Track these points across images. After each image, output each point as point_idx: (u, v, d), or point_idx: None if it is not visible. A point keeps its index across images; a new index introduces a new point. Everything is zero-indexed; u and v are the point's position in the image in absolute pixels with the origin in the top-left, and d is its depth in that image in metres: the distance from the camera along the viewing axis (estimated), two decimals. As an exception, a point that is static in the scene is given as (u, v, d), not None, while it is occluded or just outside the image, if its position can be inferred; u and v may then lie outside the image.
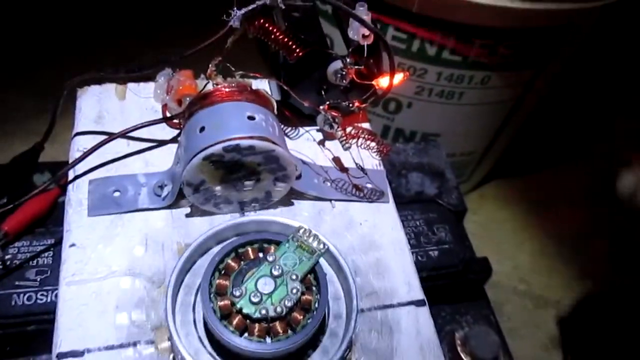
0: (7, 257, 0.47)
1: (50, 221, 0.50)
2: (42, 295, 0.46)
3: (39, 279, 0.46)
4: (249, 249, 0.35)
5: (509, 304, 0.99)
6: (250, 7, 0.39)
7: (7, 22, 1.21)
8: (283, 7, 0.39)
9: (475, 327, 0.53)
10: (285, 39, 0.41)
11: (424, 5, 0.65)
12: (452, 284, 0.54)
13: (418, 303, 0.41)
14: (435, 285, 0.52)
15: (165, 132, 0.47)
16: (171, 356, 0.35)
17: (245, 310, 0.32)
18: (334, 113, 0.47)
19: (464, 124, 0.83)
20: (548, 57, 0.76)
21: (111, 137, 0.44)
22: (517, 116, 0.87)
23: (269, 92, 0.48)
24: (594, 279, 1.01)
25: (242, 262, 0.35)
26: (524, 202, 1.10)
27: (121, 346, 0.36)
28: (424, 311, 0.41)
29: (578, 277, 1.01)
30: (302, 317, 0.33)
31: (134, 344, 0.36)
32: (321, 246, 0.35)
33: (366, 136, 0.48)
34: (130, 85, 0.50)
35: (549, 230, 1.07)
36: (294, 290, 0.33)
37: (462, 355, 0.50)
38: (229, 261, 0.34)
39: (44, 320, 0.44)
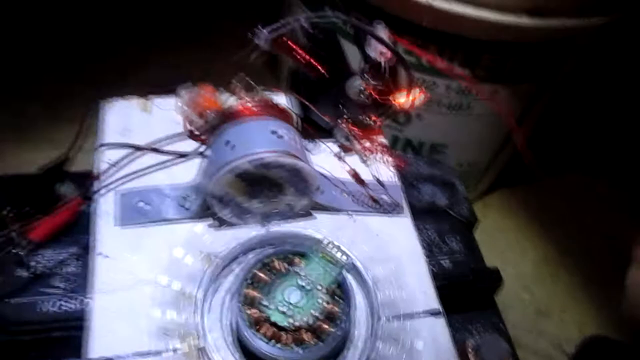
0: (32, 264, 0.48)
1: (74, 229, 0.52)
2: (67, 302, 0.47)
3: (64, 286, 0.48)
4: (276, 261, 0.37)
5: (512, 312, 1.00)
6: (275, 28, 0.40)
7: (13, 30, 1.22)
8: (308, 28, 0.41)
9: (486, 335, 0.55)
10: (308, 58, 0.43)
11: (434, 22, 0.66)
12: (464, 294, 0.56)
13: (435, 313, 0.43)
14: (447, 295, 0.54)
15: (187, 145, 0.49)
16: (200, 363, 0.37)
17: (274, 320, 0.33)
18: (351, 127, 0.49)
19: (471, 135, 0.85)
20: (554, 70, 0.78)
21: (140, 150, 0.45)
22: (522, 127, 0.89)
23: (290, 105, 0.50)
24: (598, 288, 1.02)
25: (270, 273, 0.36)
26: (528, 211, 1.12)
27: (149, 353, 0.37)
28: (441, 321, 0.42)
29: (582, 286, 1.03)
30: (328, 326, 0.34)
31: (164, 351, 0.37)
32: (345, 258, 0.36)
33: (383, 150, 0.50)
34: (154, 98, 0.51)
35: (552, 239, 1.08)
36: (321, 301, 0.34)
37: (474, 363, 0.51)
38: (258, 272, 0.36)
39: (69, 327, 0.45)
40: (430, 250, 0.56)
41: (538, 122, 0.93)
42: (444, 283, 0.55)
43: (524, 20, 0.64)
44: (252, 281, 0.36)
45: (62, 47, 1.21)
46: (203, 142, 0.49)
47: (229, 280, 0.37)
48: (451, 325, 0.56)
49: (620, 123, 1.20)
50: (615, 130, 1.21)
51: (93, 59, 1.21)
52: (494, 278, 0.57)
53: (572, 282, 1.03)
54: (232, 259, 0.40)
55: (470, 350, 0.53)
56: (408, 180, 0.62)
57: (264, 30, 0.40)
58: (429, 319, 0.42)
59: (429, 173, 0.63)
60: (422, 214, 0.59)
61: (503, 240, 1.07)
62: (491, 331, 0.57)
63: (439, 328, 0.42)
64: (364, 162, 0.50)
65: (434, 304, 0.43)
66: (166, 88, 0.51)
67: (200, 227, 0.43)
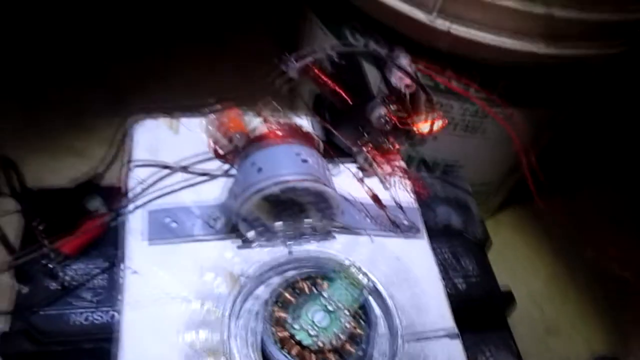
0: (63, 276, 0.50)
1: (104, 243, 0.54)
2: (97, 315, 0.49)
3: (94, 299, 0.49)
4: (304, 283, 0.38)
5: (521, 329, 1.01)
6: (303, 57, 0.42)
7: (35, 42, 1.25)
8: (336, 60, 0.42)
9: (498, 354, 0.56)
10: (336, 88, 0.44)
11: (453, 46, 0.68)
12: (477, 314, 0.57)
13: (451, 335, 0.44)
14: (461, 315, 0.55)
15: (213, 164, 0.50)
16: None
17: (303, 342, 0.35)
18: (372, 151, 0.50)
19: (485, 156, 0.86)
20: (568, 95, 0.79)
21: (169, 170, 0.47)
22: (534, 148, 0.90)
23: (311, 129, 0.52)
24: (607, 307, 1.03)
25: (295, 293, 0.38)
26: (539, 229, 1.13)
27: (178, 369, 0.39)
28: (457, 342, 0.44)
29: (591, 305, 1.04)
30: (350, 346, 0.36)
31: (194, 367, 0.39)
32: (367, 281, 0.38)
33: (401, 173, 0.52)
34: (183, 119, 0.53)
35: (562, 257, 1.09)
36: (344, 322, 0.36)
37: (486, 383, 0.53)
38: (286, 294, 0.38)
39: (99, 339, 0.47)
40: (446, 270, 0.58)
41: (551, 141, 0.94)
42: (458, 303, 0.56)
43: (540, 47, 0.65)
44: (279, 301, 0.38)
45: (82, 58, 1.24)
46: (229, 162, 0.51)
47: (256, 300, 0.39)
48: (464, 343, 0.58)
49: (633, 144, 1.21)
50: (628, 150, 1.22)
51: (112, 69, 1.23)
52: (507, 299, 0.59)
53: (581, 301, 1.04)
54: (259, 279, 0.41)
55: (482, 369, 0.55)
56: (424, 201, 0.64)
57: (293, 59, 0.42)
58: (445, 340, 0.44)
59: (444, 194, 0.65)
60: (437, 235, 0.61)
61: (514, 258, 1.08)
62: (503, 351, 0.58)
63: (455, 350, 0.44)
64: (383, 184, 0.52)
65: (451, 326, 0.45)
66: (192, 106, 0.53)
67: (227, 246, 0.45)
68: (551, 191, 1.19)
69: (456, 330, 0.44)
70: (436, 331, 0.44)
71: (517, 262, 1.08)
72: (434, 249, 0.59)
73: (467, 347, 0.57)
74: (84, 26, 1.30)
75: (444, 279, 0.57)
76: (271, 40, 1.37)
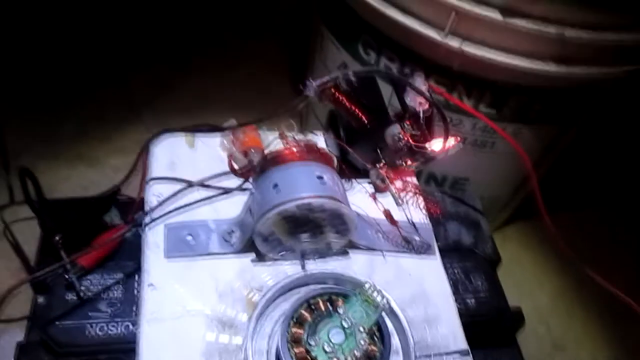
0: (81, 288, 0.51)
1: (119, 255, 0.54)
2: (113, 326, 0.49)
3: (110, 311, 0.50)
4: (320, 301, 0.39)
5: (528, 345, 1.01)
6: (324, 80, 0.43)
7: (46, 47, 1.27)
8: (353, 81, 0.43)
9: (508, 373, 0.57)
10: (353, 108, 0.45)
11: (464, 64, 0.69)
12: (487, 331, 0.58)
13: (463, 353, 0.45)
14: (471, 332, 0.56)
15: (231, 181, 0.51)
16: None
17: (318, 358, 0.36)
18: (387, 169, 0.51)
19: (493, 171, 0.87)
20: (577, 114, 0.80)
21: (188, 185, 0.48)
22: (542, 165, 0.91)
23: (325, 146, 0.53)
24: (613, 323, 1.03)
25: (314, 312, 0.39)
26: (545, 244, 1.14)
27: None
28: (469, 359, 0.45)
29: (597, 321, 1.04)
30: (368, 365, 0.37)
31: (210, 384, 0.40)
32: (384, 301, 0.39)
33: (415, 191, 0.52)
34: (199, 135, 0.54)
35: (568, 273, 1.10)
36: (362, 342, 0.36)
37: (496, 401, 0.53)
38: (302, 311, 0.38)
39: (115, 350, 0.48)
40: (457, 288, 0.58)
41: (559, 158, 0.95)
42: (468, 320, 0.57)
43: (551, 68, 0.66)
44: (295, 318, 0.39)
45: (95, 68, 1.26)
46: (244, 177, 0.52)
47: (273, 318, 0.40)
48: (474, 360, 0.58)
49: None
50: (636, 169, 1.23)
51: (126, 79, 1.25)
52: (517, 318, 0.60)
53: (587, 317, 1.04)
54: (275, 296, 0.42)
55: (492, 387, 0.55)
56: (435, 218, 0.64)
57: (313, 83, 0.43)
58: (457, 357, 0.44)
59: (454, 210, 0.66)
60: (448, 251, 0.61)
61: (521, 273, 1.08)
62: (512, 368, 0.59)
63: (467, 368, 0.44)
64: (397, 202, 0.53)
65: (463, 344, 0.45)
66: (210, 125, 0.54)
67: (243, 262, 0.46)
68: (557, 208, 1.20)
69: (468, 349, 0.45)
70: (448, 349, 0.44)
71: (523, 277, 1.09)
72: (445, 266, 0.60)
73: (476, 364, 0.58)
74: (98, 36, 1.32)
75: (454, 295, 0.58)
76: (285, 51, 1.39)
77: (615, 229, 1.16)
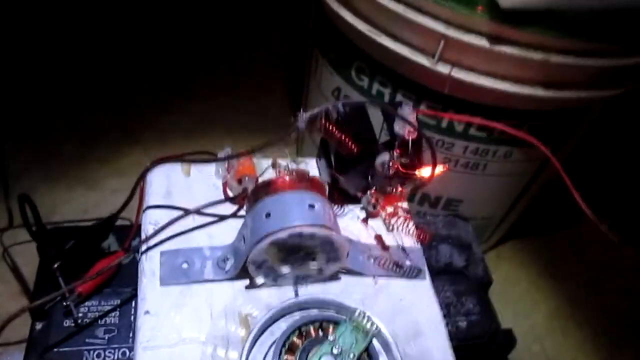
0: (78, 314, 0.52)
1: (116, 281, 0.55)
2: (109, 352, 0.50)
3: (107, 337, 0.51)
4: (311, 328, 0.40)
5: (523, 364, 1.02)
6: (315, 112, 0.44)
7: (46, 70, 1.29)
8: (342, 111, 0.45)
9: (499, 395, 0.57)
10: (342, 137, 0.47)
11: (454, 89, 0.71)
12: (478, 354, 0.59)
13: (454, 378, 0.46)
14: (462, 355, 0.57)
15: (226, 208, 0.52)
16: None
17: (310, 385, 0.36)
18: (377, 196, 0.52)
19: (486, 192, 0.88)
20: (567, 135, 0.81)
21: (185, 213, 0.49)
22: (535, 184, 0.92)
23: (318, 173, 0.54)
24: (608, 343, 1.04)
25: (305, 339, 0.39)
26: (540, 263, 1.15)
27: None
28: (459, 386, 0.45)
29: (592, 340, 1.04)
30: (358, 391, 0.38)
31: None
32: (374, 328, 0.40)
33: (406, 217, 0.54)
34: (195, 164, 0.56)
35: (563, 292, 1.10)
36: (352, 368, 0.37)
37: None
38: (294, 338, 0.39)
39: (111, 377, 0.49)
40: (448, 310, 0.59)
41: (553, 176, 0.96)
42: (460, 344, 0.58)
43: (539, 92, 0.68)
44: (287, 344, 0.40)
45: (94, 90, 1.27)
46: (238, 204, 0.53)
47: (265, 344, 0.41)
48: (465, 383, 0.59)
49: (636, 178, 1.23)
50: (631, 184, 1.24)
51: (125, 101, 1.26)
52: (508, 338, 0.60)
53: (582, 336, 1.05)
54: (267, 322, 0.43)
55: (484, 409, 0.56)
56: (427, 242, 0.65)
57: (304, 114, 0.44)
58: (448, 383, 0.45)
59: (446, 234, 0.67)
60: (439, 274, 0.63)
61: (515, 292, 1.09)
62: (504, 391, 0.59)
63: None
64: (387, 227, 0.54)
65: (452, 366, 0.46)
66: (207, 152, 0.56)
67: (237, 288, 0.47)
68: (554, 225, 1.21)
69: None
70: (437, 368, 0.45)
71: (518, 297, 1.09)
72: (436, 287, 0.61)
73: (467, 386, 0.59)
74: (97, 58, 1.34)
75: (445, 317, 0.59)
76: (284, 74, 1.41)
77: (613, 245, 1.17)
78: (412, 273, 0.51)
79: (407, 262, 0.51)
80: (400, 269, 0.51)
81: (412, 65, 0.70)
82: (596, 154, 1.20)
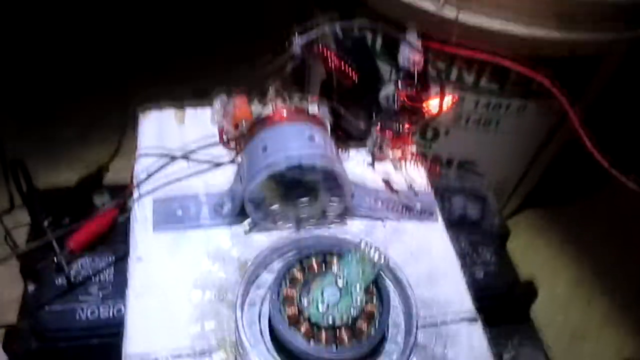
0: (70, 272, 0.49)
1: (110, 239, 0.52)
2: (104, 309, 0.47)
3: (101, 294, 0.48)
4: (313, 261, 0.37)
5: (546, 334, 0.97)
6: (309, 35, 0.41)
7: (46, 54, 1.27)
8: (340, 36, 0.41)
9: (523, 349, 0.54)
10: (342, 65, 0.43)
11: (462, 37, 0.67)
12: (498, 306, 0.55)
13: (471, 319, 0.42)
14: (481, 307, 0.53)
15: (222, 154, 0.49)
16: (238, 365, 0.36)
17: (313, 319, 0.33)
18: (383, 134, 0.49)
19: (500, 152, 0.84)
20: (582, 86, 0.77)
21: (177, 159, 0.46)
22: (551, 145, 0.88)
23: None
24: (637, 309, 0.99)
25: (306, 273, 0.36)
26: (559, 231, 1.10)
27: (188, 355, 0.37)
28: (477, 328, 0.42)
29: (620, 308, 1.00)
30: (366, 325, 0.34)
31: (202, 354, 0.37)
32: (381, 258, 0.36)
33: (415, 158, 0.50)
34: (189, 110, 0.53)
35: (586, 260, 1.06)
36: (358, 300, 0.34)
37: (511, 377, 0.50)
38: (295, 272, 0.36)
39: (106, 334, 0.46)
40: (464, 261, 0.55)
41: (568, 141, 0.92)
42: (477, 294, 0.54)
43: (552, 33, 0.64)
44: (290, 281, 0.36)
45: (94, 72, 1.26)
46: (235, 150, 0.50)
47: (264, 286, 0.38)
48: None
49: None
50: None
51: (125, 83, 1.24)
52: (529, 291, 0.57)
53: (609, 305, 1.00)
54: (265, 263, 0.40)
55: (507, 363, 0.52)
56: (439, 193, 0.62)
57: (299, 39, 0.41)
58: (465, 325, 0.42)
59: (460, 185, 0.63)
60: (454, 226, 0.59)
61: (534, 261, 1.05)
62: (528, 344, 0.56)
63: (476, 335, 0.41)
64: (396, 169, 0.50)
65: (470, 310, 0.42)
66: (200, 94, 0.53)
67: (234, 232, 0.44)
68: (570, 194, 1.16)
69: (476, 315, 0.42)
70: (454, 316, 0.42)
71: (537, 266, 1.05)
72: (450, 237, 0.57)
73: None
74: (97, 40, 1.32)
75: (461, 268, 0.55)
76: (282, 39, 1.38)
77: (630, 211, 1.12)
78: (423, 214, 0.47)
79: (418, 205, 0.48)
80: (410, 212, 0.47)
81: (417, 12, 0.66)
82: (620, 106, 1.14)
